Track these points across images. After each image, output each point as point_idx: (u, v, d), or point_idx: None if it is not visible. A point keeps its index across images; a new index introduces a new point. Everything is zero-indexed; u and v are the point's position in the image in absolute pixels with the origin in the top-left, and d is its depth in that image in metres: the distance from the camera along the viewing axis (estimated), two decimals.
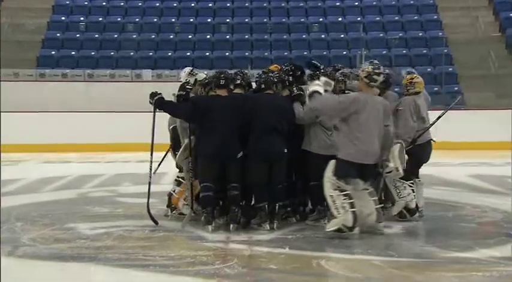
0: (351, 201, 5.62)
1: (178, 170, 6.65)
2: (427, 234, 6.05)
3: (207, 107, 6.06)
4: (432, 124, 6.59)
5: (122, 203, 7.89)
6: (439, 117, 6.65)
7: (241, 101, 6.15)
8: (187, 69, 6.69)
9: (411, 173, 6.46)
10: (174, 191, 6.64)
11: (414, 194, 6.43)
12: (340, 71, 6.49)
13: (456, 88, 17.44)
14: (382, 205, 6.09)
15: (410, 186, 6.42)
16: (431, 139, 6.60)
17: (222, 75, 6.19)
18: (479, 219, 6.74)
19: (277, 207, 6.10)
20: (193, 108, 6.05)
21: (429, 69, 18.06)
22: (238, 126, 6.07)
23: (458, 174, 10.70)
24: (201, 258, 5.09)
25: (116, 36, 19.21)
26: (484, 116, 14.98)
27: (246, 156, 6.07)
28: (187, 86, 6.17)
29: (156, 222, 6.29)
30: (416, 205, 6.47)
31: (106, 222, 6.56)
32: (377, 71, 5.80)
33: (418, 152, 6.41)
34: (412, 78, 6.62)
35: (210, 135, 6.03)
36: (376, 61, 6.18)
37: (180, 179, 6.59)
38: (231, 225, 6.02)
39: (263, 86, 6.21)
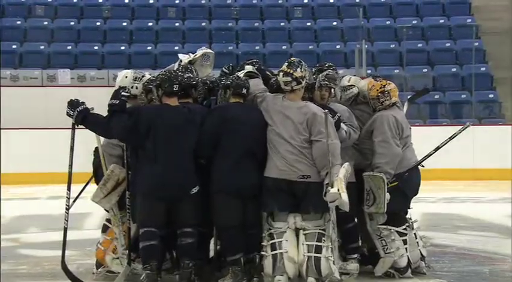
0: (272, 241, 6.00)
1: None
2: None
3: (151, 121, 6.00)
4: (427, 156, 6.60)
5: (27, 256, 7.80)
6: (438, 147, 6.65)
7: (201, 115, 6.14)
8: (129, 72, 6.49)
9: (400, 215, 6.49)
10: (99, 242, 6.60)
11: (406, 246, 6.45)
12: (324, 73, 6.51)
13: (491, 95, 17.66)
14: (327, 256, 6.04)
15: (402, 236, 6.44)
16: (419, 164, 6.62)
17: (174, 78, 6.13)
18: None
19: (257, 258, 6.10)
20: (131, 123, 6.00)
21: (454, 69, 18.29)
22: (195, 149, 6.06)
23: (496, 214, 10.79)
24: None
25: (19, 22, 19.10)
26: None
27: (203, 192, 6.06)
28: (124, 93, 6.12)
29: None
30: (409, 261, 6.50)
31: None
32: (289, 70, 6.09)
33: (401, 184, 6.42)
34: (384, 86, 6.55)
35: (153, 162, 5.98)
36: (295, 60, 6.22)
37: (107, 223, 6.54)
38: None
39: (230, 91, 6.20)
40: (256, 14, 20.05)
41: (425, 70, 18.28)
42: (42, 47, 18.42)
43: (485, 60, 18.47)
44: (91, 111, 6.16)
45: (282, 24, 19.67)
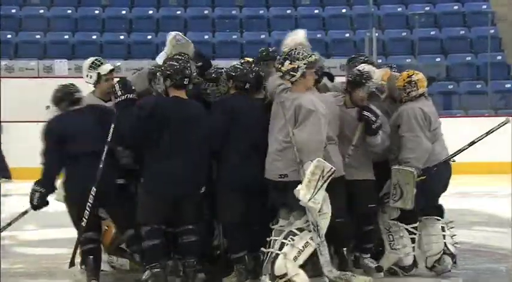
0: (269, 239, 5.92)
1: None
2: None
3: (166, 116, 5.98)
4: (459, 151, 6.55)
5: (23, 255, 7.85)
6: (473, 142, 6.62)
7: (207, 108, 6.17)
8: (89, 59, 6.64)
9: (413, 212, 6.41)
10: None
11: (414, 245, 6.45)
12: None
13: (508, 85, 17.64)
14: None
15: (412, 234, 6.44)
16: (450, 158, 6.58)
17: (186, 70, 6.06)
18: None
19: (263, 257, 6.04)
20: (144, 118, 5.96)
21: (468, 58, 18.27)
22: (204, 146, 6.07)
23: None
24: None
25: (14, 11, 19.11)
26: None
27: (207, 187, 6.10)
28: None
29: None
30: (415, 260, 6.50)
31: None
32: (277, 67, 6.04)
33: (429, 180, 6.37)
34: (411, 75, 6.50)
35: (164, 160, 5.97)
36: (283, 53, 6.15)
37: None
38: None
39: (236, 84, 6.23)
40: (262, 1, 20.02)
41: (438, 59, 18.26)
42: (38, 37, 18.43)
43: (501, 48, 18.45)
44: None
45: (289, 11, 19.65)
